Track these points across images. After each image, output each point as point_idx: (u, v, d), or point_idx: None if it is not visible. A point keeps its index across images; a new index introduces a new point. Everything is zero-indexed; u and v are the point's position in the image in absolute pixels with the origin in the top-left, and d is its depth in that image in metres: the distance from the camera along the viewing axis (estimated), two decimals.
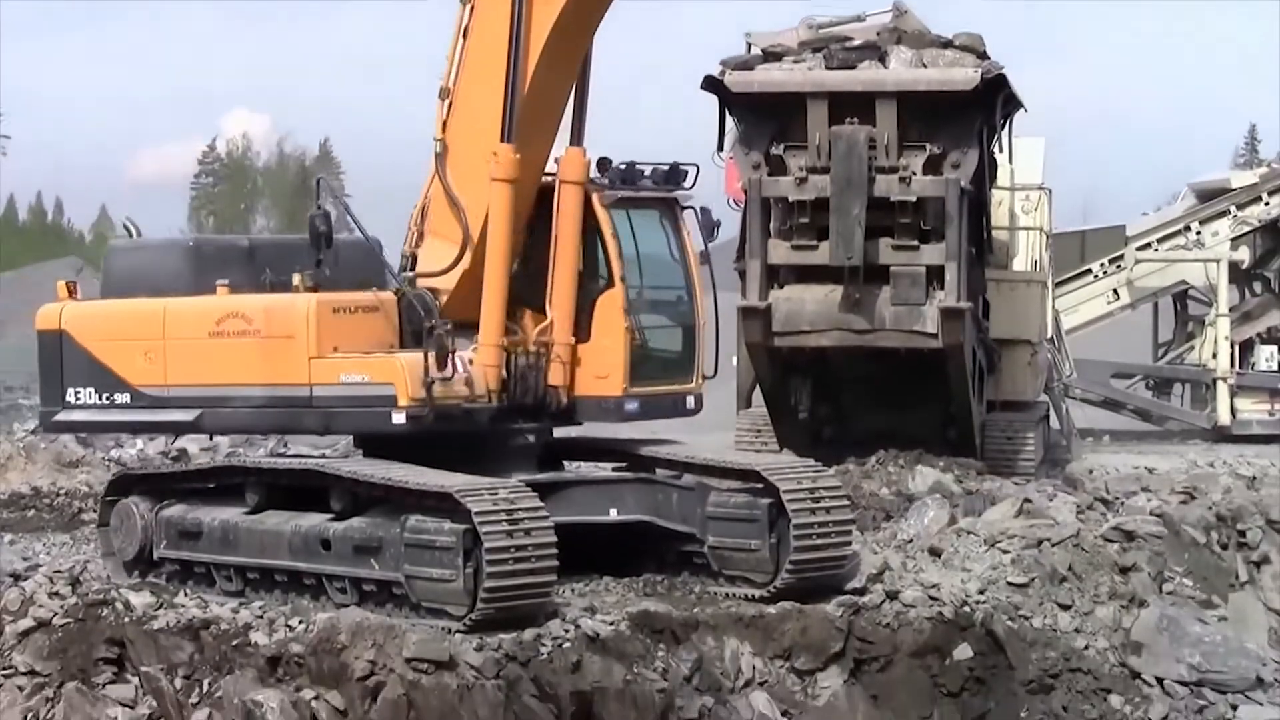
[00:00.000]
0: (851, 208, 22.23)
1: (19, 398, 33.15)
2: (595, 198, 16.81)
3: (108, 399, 17.22)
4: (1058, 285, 32.62)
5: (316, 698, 13.84)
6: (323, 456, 18.03)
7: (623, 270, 16.87)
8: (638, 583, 16.96)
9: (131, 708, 14.53)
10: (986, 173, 24.11)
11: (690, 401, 17.48)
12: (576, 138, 17.12)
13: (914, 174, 22.56)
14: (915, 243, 22.79)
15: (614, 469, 18.13)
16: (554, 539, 14.86)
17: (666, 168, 17.23)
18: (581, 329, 16.96)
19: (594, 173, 16.92)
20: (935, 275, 22.63)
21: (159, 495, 17.48)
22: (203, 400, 16.79)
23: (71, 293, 17.73)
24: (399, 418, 15.78)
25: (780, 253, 23.25)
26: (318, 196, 17.11)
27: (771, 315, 22.96)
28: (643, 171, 17.15)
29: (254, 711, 13.45)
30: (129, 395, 17.12)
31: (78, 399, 17.39)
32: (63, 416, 17.66)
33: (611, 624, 15.17)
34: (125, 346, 17.15)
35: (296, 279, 16.27)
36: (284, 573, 16.24)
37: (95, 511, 19.30)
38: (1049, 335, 29.61)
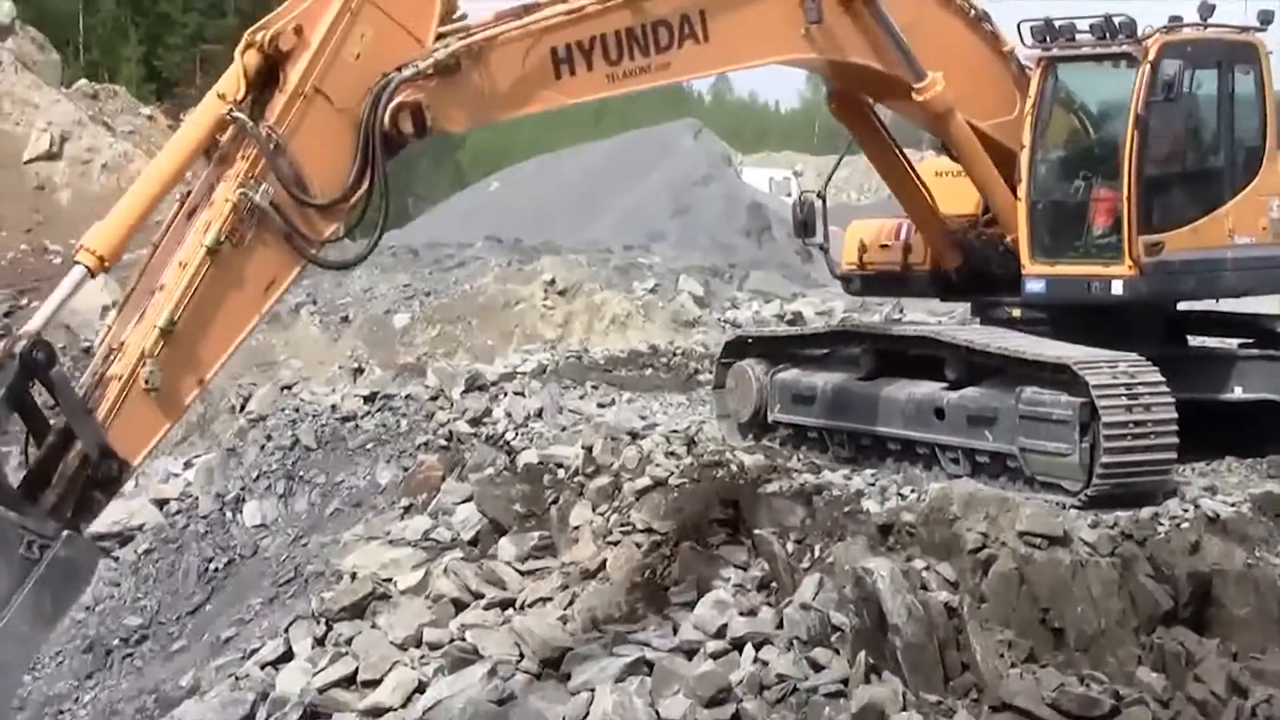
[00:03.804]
0: None
1: (637, 256, 33.89)
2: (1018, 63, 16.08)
3: None
4: None
5: (927, 568, 13.80)
6: (939, 323, 17.82)
7: (1032, 136, 16.00)
8: (1261, 464, 16.33)
9: (744, 569, 14.79)
10: None
11: (1115, 287, 15.62)
12: (913, 75, 14.97)
13: None
14: None
15: (1240, 345, 17.39)
16: (1174, 415, 14.41)
17: (1116, 21, 15.74)
18: None
19: (1028, 39, 16.08)
20: None
21: (774, 359, 17.72)
22: None
23: None
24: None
25: None
26: None
27: None
28: (1075, 28, 16.00)
29: (865, 579, 13.45)
30: None
31: None
32: None
33: (1233, 505, 14.68)
34: None
35: None
36: (897, 441, 16.23)
37: (710, 372, 19.66)
38: None
